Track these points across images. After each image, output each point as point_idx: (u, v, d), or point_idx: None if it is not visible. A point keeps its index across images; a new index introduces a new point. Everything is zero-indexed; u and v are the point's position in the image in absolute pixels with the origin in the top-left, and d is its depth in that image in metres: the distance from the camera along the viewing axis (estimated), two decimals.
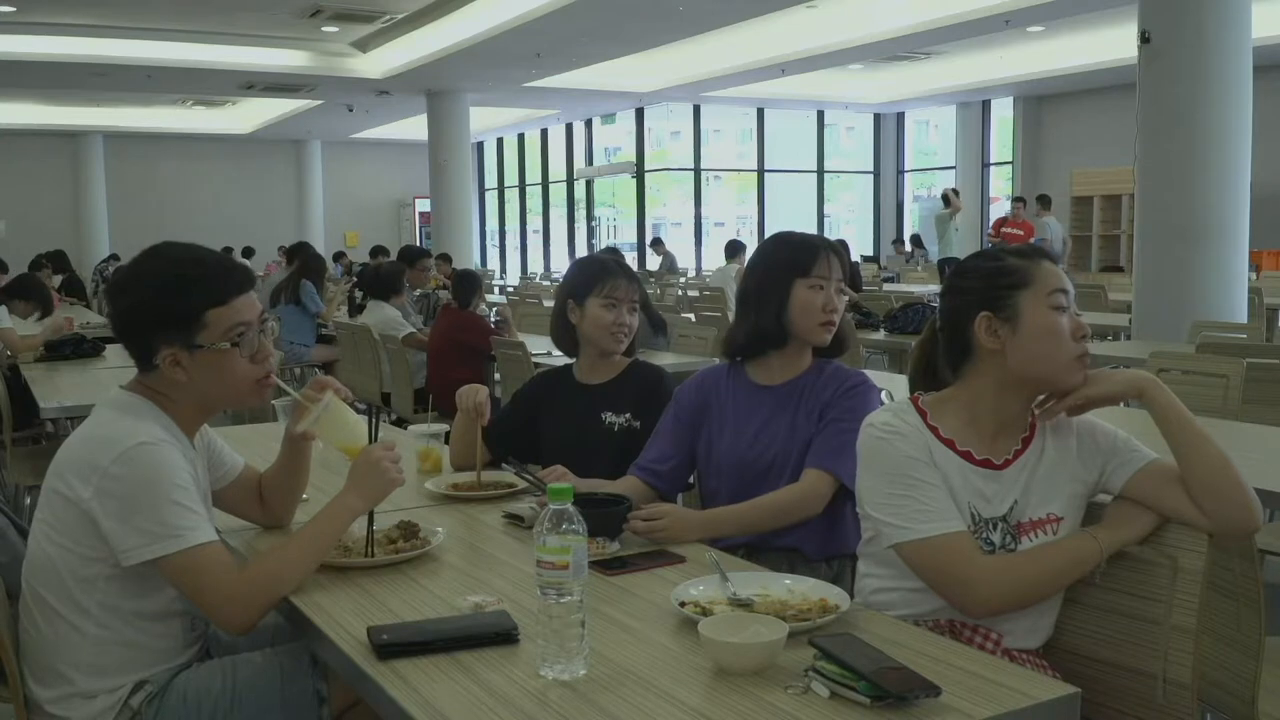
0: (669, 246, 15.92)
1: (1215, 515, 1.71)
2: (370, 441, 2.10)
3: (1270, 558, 3.10)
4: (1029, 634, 1.82)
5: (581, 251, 20.13)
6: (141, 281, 1.91)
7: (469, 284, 6.34)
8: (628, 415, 2.72)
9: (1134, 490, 1.80)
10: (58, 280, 11.90)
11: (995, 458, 1.83)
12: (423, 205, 20.38)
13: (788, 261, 2.37)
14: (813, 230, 19.16)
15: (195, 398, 1.94)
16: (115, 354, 5.54)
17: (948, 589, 1.76)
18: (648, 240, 17.31)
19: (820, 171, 20.19)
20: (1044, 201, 12.86)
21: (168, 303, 1.88)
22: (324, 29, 12.95)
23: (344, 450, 2.15)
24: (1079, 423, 1.87)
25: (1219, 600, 1.95)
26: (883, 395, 3.30)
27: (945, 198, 14.02)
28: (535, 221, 22.75)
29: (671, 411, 2.50)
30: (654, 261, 15.93)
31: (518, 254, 23.36)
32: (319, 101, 16.67)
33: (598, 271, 2.80)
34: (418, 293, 8.41)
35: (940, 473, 1.80)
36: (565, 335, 2.85)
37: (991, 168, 18.07)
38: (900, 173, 20.38)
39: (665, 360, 4.99)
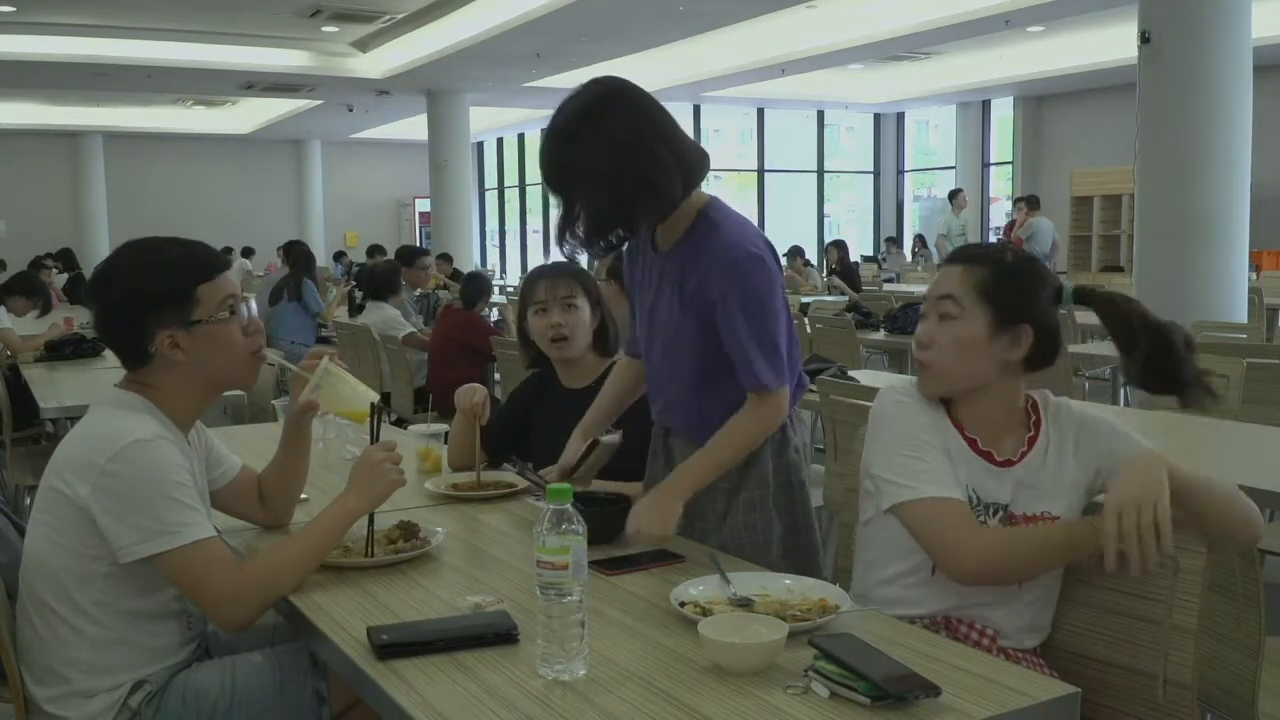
0: None
1: (1221, 544, 1.73)
2: (373, 440, 2.10)
3: (1270, 558, 3.10)
4: (1028, 633, 1.83)
5: None
6: (128, 270, 1.92)
7: (477, 286, 6.34)
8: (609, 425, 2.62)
9: None
10: (63, 279, 11.91)
11: (999, 454, 1.84)
12: (423, 205, 20.36)
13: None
14: (813, 230, 19.30)
15: (194, 380, 1.94)
16: None
17: (939, 552, 1.76)
18: None
19: (820, 171, 20.17)
20: (1032, 202, 12.82)
21: (159, 284, 1.89)
22: (324, 29, 12.94)
23: (348, 416, 2.16)
24: (1080, 421, 1.86)
25: (1219, 600, 1.95)
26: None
27: (953, 195, 14.00)
28: (535, 221, 22.74)
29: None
30: None
31: (518, 254, 23.36)
32: (319, 101, 16.66)
33: (526, 282, 2.82)
34: (418, 292, 8.41)
35: (947, 450, 1.82)
36: (529, 351, 2.86)
37: (991, 168, 18.06)
38: (900, 173, 20.36)
39: None
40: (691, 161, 2.06)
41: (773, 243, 2.19)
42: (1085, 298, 1.84)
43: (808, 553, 2.29)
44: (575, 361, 2.77)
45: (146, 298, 1.89)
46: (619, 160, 1.98)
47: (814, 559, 2.29)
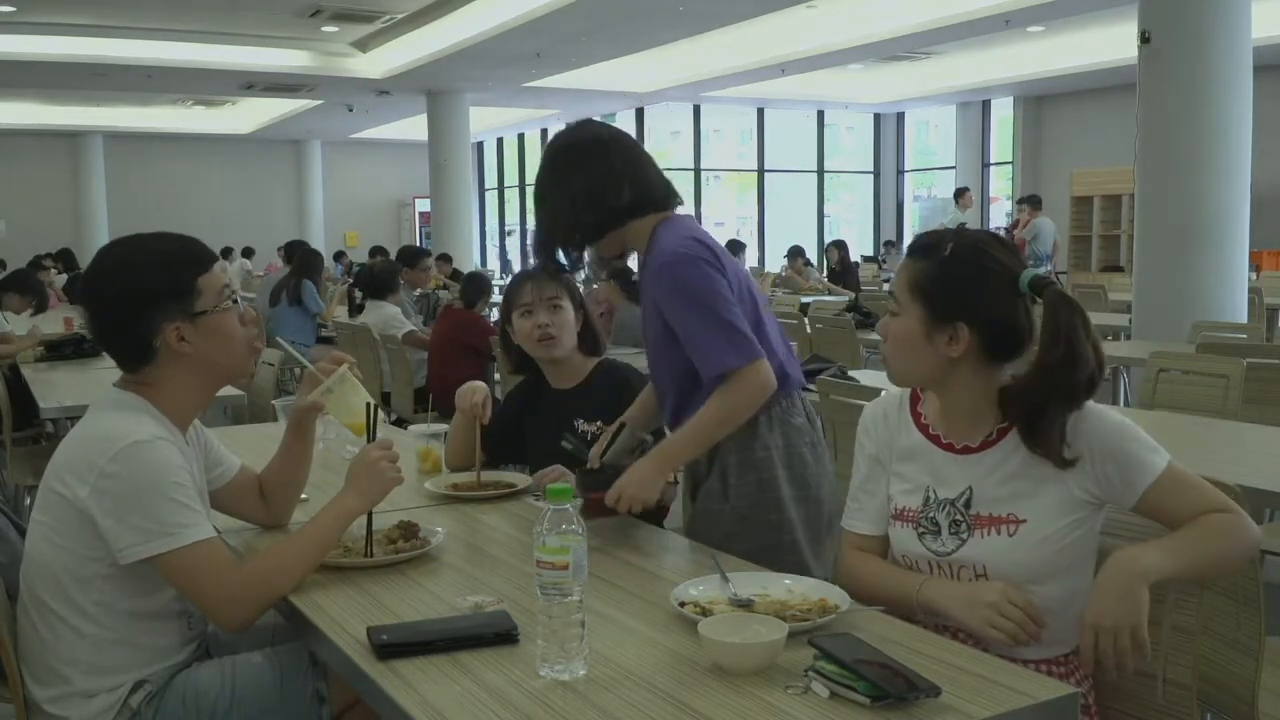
0: None
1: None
2: (369, 440, 2.10)
3: (1270, 558, 3.10)
4: (1047, 645, 1.76)
5: None
6: (123, 268, 1.92)
7: (476, 286, 6.35)
8: (599, 423, 2.63)
9: (1144, 511, 1.74)
10: (63, 280, 11.92)
11: (957, 442, 1.83)
12: (423, 205, 20.37)
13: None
14: (813, 230, 19.29)
15: (195, 375, 1.94)
16: None
17: None
18: None
19: (820, 171, 20.18)
20: (1034, 203, 12.81)
21: (160, 278, 1.89)
22: (324, 29, 12.94)
23: (350, 428, 2.18)
24: (1074, 430, 1.77)
25: (1219, 600, 1.95)
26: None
27: (959, 194, 13.99)
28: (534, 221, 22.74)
29: None
30: None
31: (518, 254, 23.36)
32: (319, 101, 16.66)
33: (510, 289, 2.86)
34: (418, 292, 8.40)
35: (890, 464, 1.89)
36: (513, 357, 2.88)
37: (991, 168, 18.07)
38: (900, 173, 20.37)
39: None
40: (610, 192, 2.25)
41: (713, 239, 2.28)
42: (1039, 289, 1.74)
43: (815, 525, 2.27)
44: (563, 362, 2.79)
45: (148, 293, 1.88)
46: (553, 187, 2.30)
47: (821, 530, 2.28)
